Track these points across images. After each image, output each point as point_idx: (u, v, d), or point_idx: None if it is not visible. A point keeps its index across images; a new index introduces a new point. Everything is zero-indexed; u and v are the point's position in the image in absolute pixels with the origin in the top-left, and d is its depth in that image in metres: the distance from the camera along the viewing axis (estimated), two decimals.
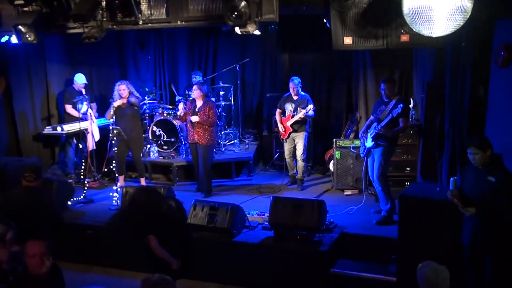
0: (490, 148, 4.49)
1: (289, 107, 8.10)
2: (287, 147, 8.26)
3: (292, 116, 7.99)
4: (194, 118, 7.69)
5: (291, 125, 8.02)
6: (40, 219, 5.06)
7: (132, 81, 8.85)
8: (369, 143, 6.60)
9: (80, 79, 8.76)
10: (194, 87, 7.86)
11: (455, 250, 4.91)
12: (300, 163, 8.10)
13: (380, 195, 6.65)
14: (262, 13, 5.72)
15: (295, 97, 8.04)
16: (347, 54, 8.66)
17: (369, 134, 6.60)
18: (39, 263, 3.64)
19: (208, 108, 7.74)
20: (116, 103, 7.81)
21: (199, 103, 7.80)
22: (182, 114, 7.95)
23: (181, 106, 8.07)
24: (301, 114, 7.85)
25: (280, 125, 8.19)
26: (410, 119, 7.43)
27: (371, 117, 6.82)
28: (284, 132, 8.15)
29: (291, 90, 8.03)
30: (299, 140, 8.06)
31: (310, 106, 7.83)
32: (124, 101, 7.87)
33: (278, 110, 8.29)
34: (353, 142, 7.86)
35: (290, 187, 8.31)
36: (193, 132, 7.78)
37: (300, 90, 8.03)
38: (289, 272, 5.85)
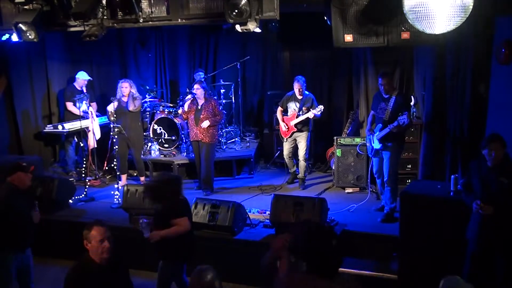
0: (505, 146, 4.46)
1: (293, 106, 7.96)
2: (287, 147, 8.12)
3: (297, 116, 7.85)
4: (205, 124, 7.66)
5: (295, 125, 7.93)
6: None
7: (132, 79, 8.83)
8: (376, 144, 6.54)
9: (83, 76, 8.78)
10: (196, 86, 7.84)
11: (456, 247, 4.92)
12: (302, 163, 8.01)
13: (387, 194, 6.60)
14: (263, 10, 5.71)
15: (299, 97, 7.90)
16: (348, 52, 8.64)
17: (375, 136, 6.54)
18: (107, 247, 3.78)
19: (212, 106, 7.74)
20: (110, 107, 7.79)
21: (201, 101, 7.80)
22: (185, 112, 7.94)
23: (187, 104, 8.04)
24: (309, 114, 7.72)
25: (282, 124, 8.04)
26: (411, 117, 7.44)
27: (372, 112, 6.80)
28: (286, 131, 8.01)
29: (296, 89, 7.86)
30: (302, 140, 7.95)
31: (321, 107, 7.71)
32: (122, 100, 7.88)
33: (279, 108, 8.15)
34: (353, 140, 7.87)
35: (290, 187, 8.19)
36: (196, 130, 7.78)
37: (304, 89, 7.91)
38: None
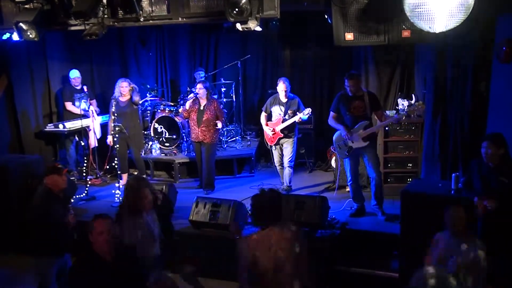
0: (504, 147, 4.45)
1: (277, 110, 7.53)
2: (276, 154, 7.69)
3: (283, 121, 7.42)
4: (219, 125, 7.68)
5: (281, 130, 7.50)
6: None
7: (133, 78, 8.85)
8: (359, 143, 6.48)
9: (73, 74, 8.75)
10: (199, 85, 7.80)
11: None
12: (287, 171, 7.60)
13: (378, 190, 6.59)
14: (263, 9, 5.71)
15: (284, 100, 7.48)
16: (349, 50, 8.64)
17: (358, 134, 6.46)
18: (106, 241, 3.80)
19: (214, 107, 7.73)
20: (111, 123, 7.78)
21: (203, 101, 7.79)
22: (186, 110, 7.93)
23: (189, 102, 8.00)
24: (296, 118, 7.30)
25: (267, 130, 7.59)
26: (412, 115, 7.44)
27: (332, 114, 6.67)
28: (272, 138, 7.57)
29: (281, 91, 7.41)
30: (288, 146, 7.53)
31: (308, 110, 7.31)
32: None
33: (263, 114, 7.69)
34: None
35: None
36: (197, 130, 7.76)
37: (289, 91, 7.48)
38: None
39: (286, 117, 7.43)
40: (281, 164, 7.74)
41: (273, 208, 3.84)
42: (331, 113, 6.73)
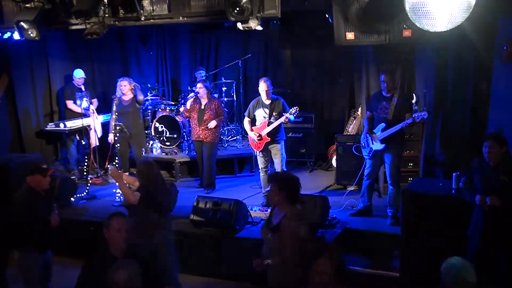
0: (506, 145, 4.47)
1: (261, 113, 7.02)
2: (262, 160, 7.13)
3: (269, 123, 6.93)
4: (212, 124, 7.62)
5: (268, 134, 6.95)
6: None
7: (134, 77, 8.84)
8: (378, 145, 6.40)
9: (78, 74, 8.75)
10: (199, 84, 7.78)
11: (457, 245, 4.91)
12: None
13: (393, 195, 6.47)
14: (264, 8, 5.71)
15: (267, 101, 6.98)
16: (350, 50, 8.63)
17: (376, 136, 6.42)
18: (123, 239, 3.83)
19: (215, 106, 7.73)
20: (112, 121, 7.79)
21: (204, 100, 7.78)
22: (187, 109, 7.92)
23: (189, 102, 7.98)
24: (283, 119, 6.82)
25: (252, 135, 7.07)
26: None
27: (367, 114, 6.69)
28: (258, 143, 7.04)
29: (263, 92, 6.91)
30: (277, 152, 7.02)
31: (295, 109, 6.82)
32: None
33: (247, 119, 7.20)
34: (355, 138, 7.84)
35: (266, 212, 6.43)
36: (198, 130, 7.76)
37: (271, 91, 7.00)
38: None
39: (272, 119, 6.96)
40: (267, 170, 7.23)
41: (298, 187, 4.11)
42: (367, 113, 6.75)
